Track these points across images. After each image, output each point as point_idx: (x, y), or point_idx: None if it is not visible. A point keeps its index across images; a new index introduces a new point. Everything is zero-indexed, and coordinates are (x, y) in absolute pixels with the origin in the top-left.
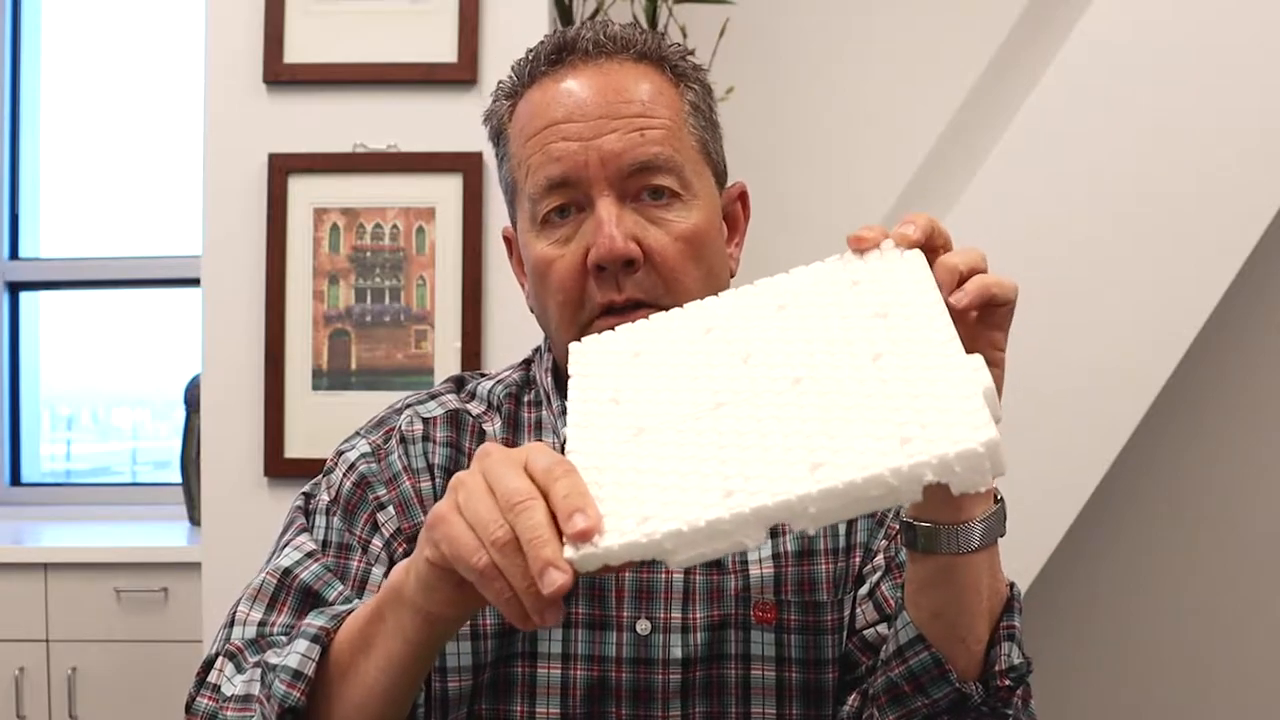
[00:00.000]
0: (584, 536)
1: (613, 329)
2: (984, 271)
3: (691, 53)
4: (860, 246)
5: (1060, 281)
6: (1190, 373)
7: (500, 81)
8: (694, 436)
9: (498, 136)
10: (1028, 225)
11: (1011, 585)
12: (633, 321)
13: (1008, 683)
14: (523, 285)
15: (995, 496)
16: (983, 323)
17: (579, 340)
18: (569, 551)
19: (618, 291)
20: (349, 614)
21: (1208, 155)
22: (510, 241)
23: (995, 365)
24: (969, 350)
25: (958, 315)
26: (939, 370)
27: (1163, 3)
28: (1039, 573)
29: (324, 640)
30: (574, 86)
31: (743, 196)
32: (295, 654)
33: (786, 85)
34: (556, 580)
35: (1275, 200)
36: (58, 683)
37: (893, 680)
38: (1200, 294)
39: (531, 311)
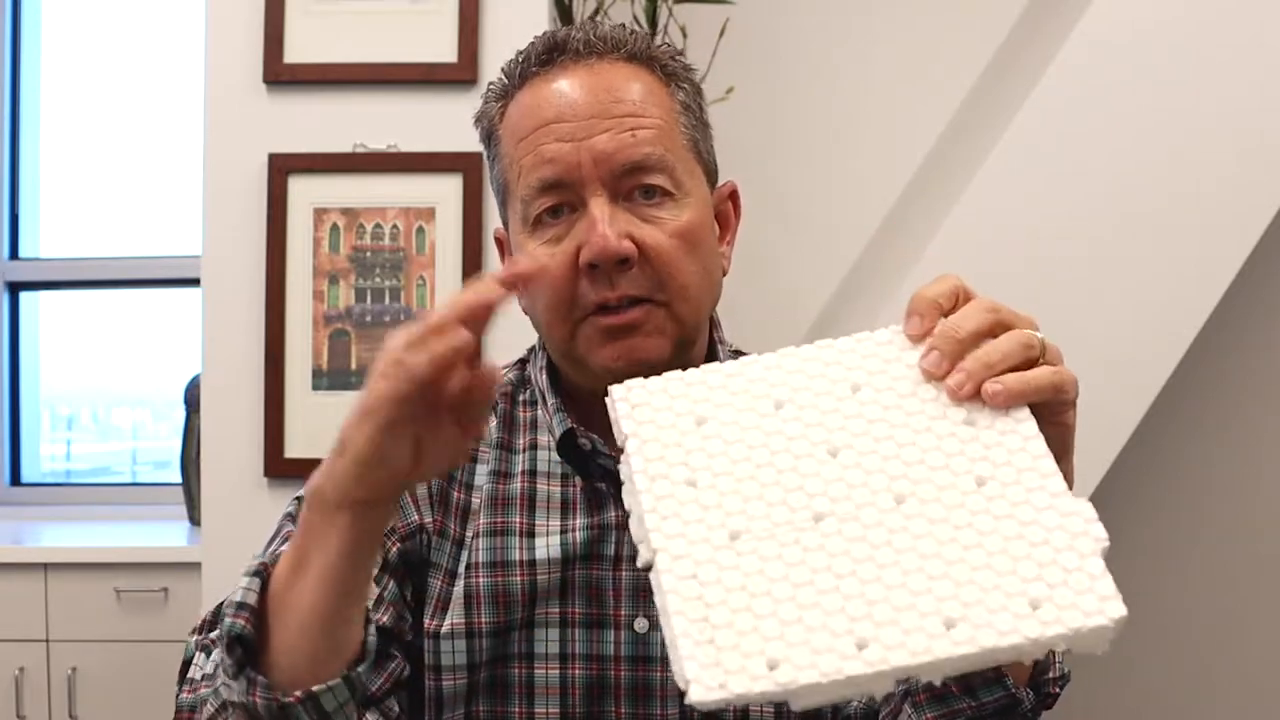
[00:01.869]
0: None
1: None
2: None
3: (681, 53)
4: (914, 335)
5: (1060, 281)
6: (1190, 373)
7: (491, 83)
8: (800, 554)
9: (489, 138)
10: (1027, 225)
11: None
12: (649, 316)
13: (1056, 690)
14: None
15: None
16: (1050, 410)
17: (612, 383)
18: (696, 693)
19: (611, 289)
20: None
21: (1207, 155)
22: (502, 243)
23: (1061, 426)
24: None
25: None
26: (1051, 514)
27: (1163, 3)
28: None
29: (264, 573)
30: (565, 87)
31: (733, 196)
32: (239, 589)
33: (786, 85)
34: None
35: (1275, 200)
36: (58, 683)
37: None
38: (1200, 294)
39: (524, 313)
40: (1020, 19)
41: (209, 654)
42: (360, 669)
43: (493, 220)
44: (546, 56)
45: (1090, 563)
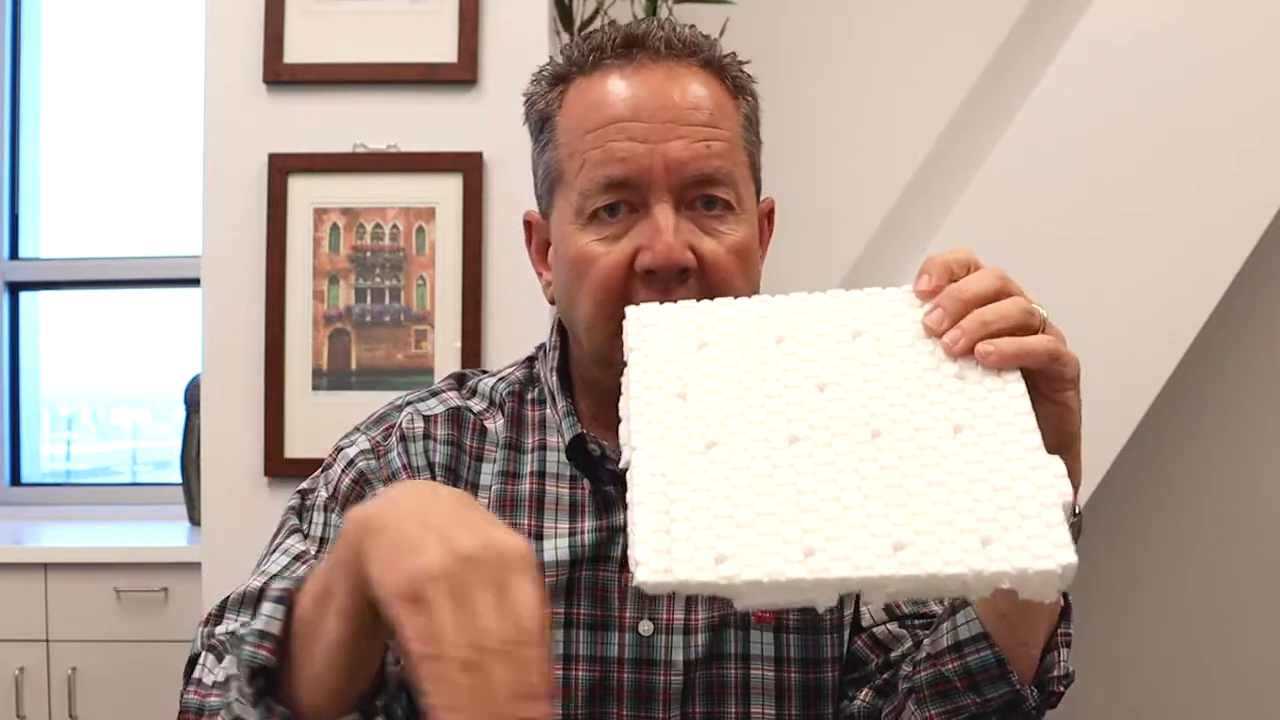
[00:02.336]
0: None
1: (657, 304)
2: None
3: (746, 63)
4: (922, 290)
5: (1060, 281)
6: (1190, 372)
7: (543, 67)
8: (769, 468)
9: (543, 122)
10: (1027, 225)
11: (1065, 593)
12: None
13: (1061, 689)
14: (540, 274)
15: (1074, 510)
16: (1038, 371)
17: (632, 310)
18: (642, 573)
19: (665, 297)
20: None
21: (1208, 155)
22: (531, 226)
23: (1061, 405)
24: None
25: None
26: (1021, 465)
27: (1163, 3)
28: None
29: (288, 600)
30: (641, 85)
31: (770, 213)
32: (262, 616)
33: (786, 85)
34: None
35: (1275, 200)
36: (58, 683)
37: (943, 675)
38: (1200, 294)
39: (551, 303)
40: (1020, 19)
41: (218, 655)
42: (378, 702)
43: (493, 220)
44: (625, 50)
45: (1049, 512)
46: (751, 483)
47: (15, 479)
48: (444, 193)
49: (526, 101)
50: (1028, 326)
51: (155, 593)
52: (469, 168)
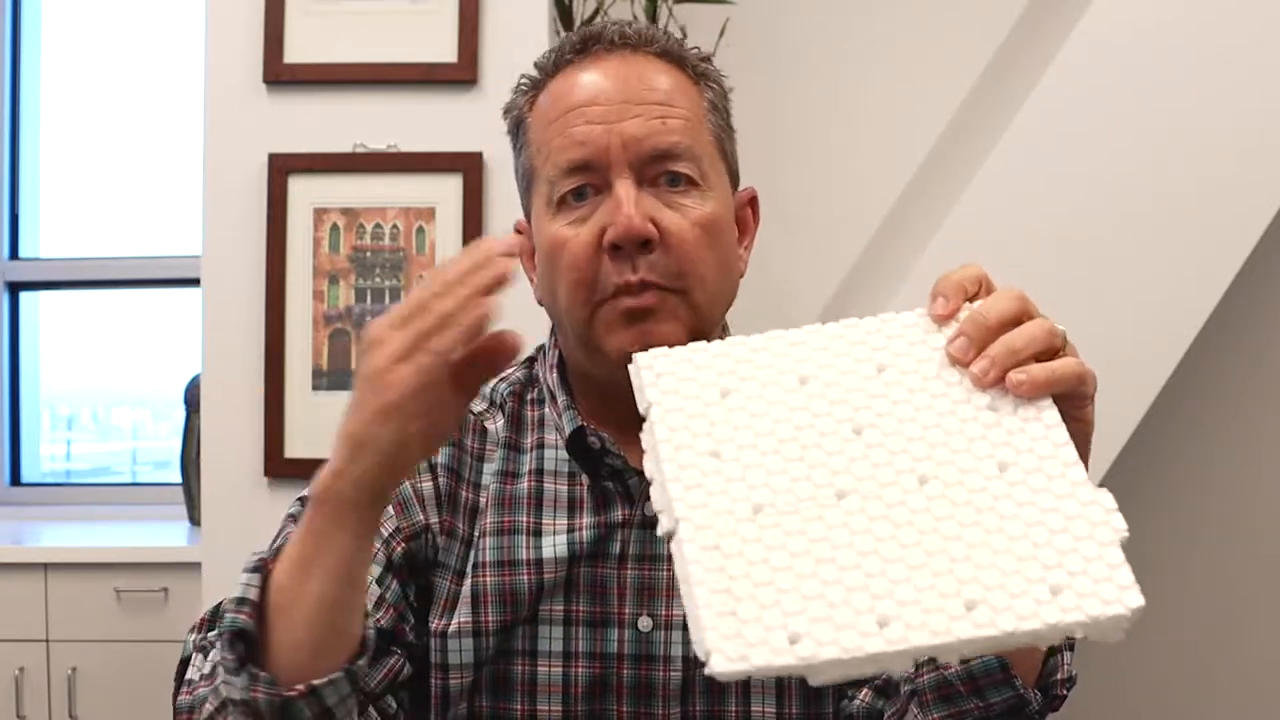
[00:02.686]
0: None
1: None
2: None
3: (711, 57)
4: (939, 315)
5: (1060, 282)
6: (1190, 372)
7: (521, 78)
8: (823, 530)
9: (517, 127)
10: (1027, 225)
11: None
12: (664, 302)
13: (1064, 692)
14: (530, 279)
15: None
16: (1069, 401)
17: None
18: (717, 663)
19: (633, 272)
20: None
21: (1208, 155)
22: (523, 234)
23: (1081, 422)
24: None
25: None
26: (1071, 502)
27: (1163, 3)
28: None
29: (264, 569)
30: (598, 73)
31: (753, 202)
32: (238, 585)
33: (786, 85)
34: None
35: (1275, 200)
36: (58, 683)
37: (946, 679)
38: (1200, 294)
39: (540, 304)
40: (1020, 19)
41: (207, 655)
42: (360, 661)
43: (494, 220)
44: (581, 47)
45: (1109, 552)
46: (809, 549)
47: (15, 479)
48: (444, 193)
49: (504, 112)
50: (1053, 349)
51: (155, 593)
52: (469, 168)
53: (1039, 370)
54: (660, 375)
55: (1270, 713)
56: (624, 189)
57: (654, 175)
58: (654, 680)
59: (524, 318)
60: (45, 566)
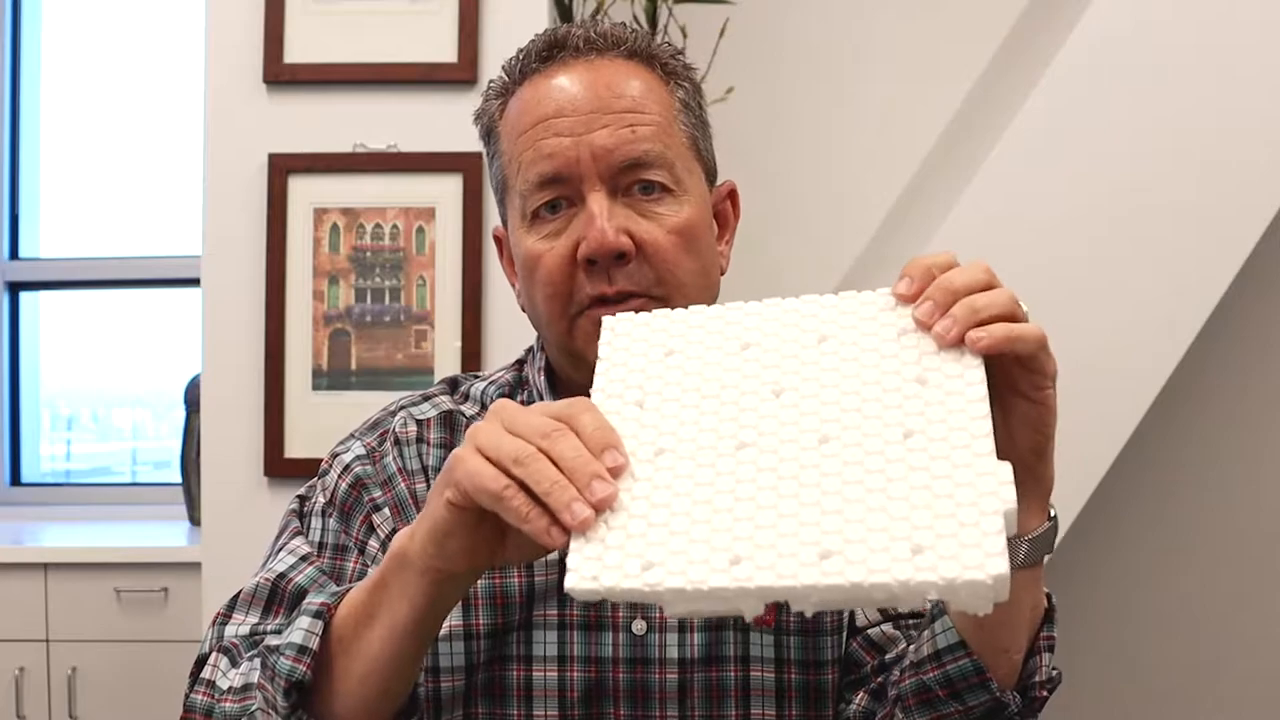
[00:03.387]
0: (615, 473)
1: (637, 311)
2: (980, 286)
3: (681, 52)
4: (903, 295)
5: (1060, 281)
6: (1190, 372)
7: (491, 81)
8: (711, 475)
9: (488, 134)
10: (1027, 225)
11: (1049, 596)
12: (647, 310)
13: (1045, 694)
14: (513, 285)
15: (1049, 514)
16: (1021, 367)
17: (597, 320)
18: (570, 580)
19: (608, 285)
20: (349, 591)
21: (1208, 155)
22: (501, 241)
23: (1041, 405)
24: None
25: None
26: (967, 471)
27: (1162, 3)
28: None
29: (326, 616)
30: (565, 82)
31: (732, 195)
32: (299, 630)
33: (786, 85)
34: (604, 490)
35: (1275, 200)
36: (58, 683)
37: (925, 684)
38: (1200, 294)
39: (523, 310)
40: (1020, 19)
41: (231, 659)
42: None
43: (493, 220)
44: (547, 53)
45: (988, 521)
46: (692, 490)
47: (15, 479)
48: (444, 193)
49: (474, 118)
50: (1016, 316)
51: (155, 593)
52: (469, 168)
53: (999, 328)
54: (618, 335)
55: (1270, 713)
56: (597, 203)
57: (627, 184)
58: (650, 683)
59: (523, 317)
60: (45, 566)
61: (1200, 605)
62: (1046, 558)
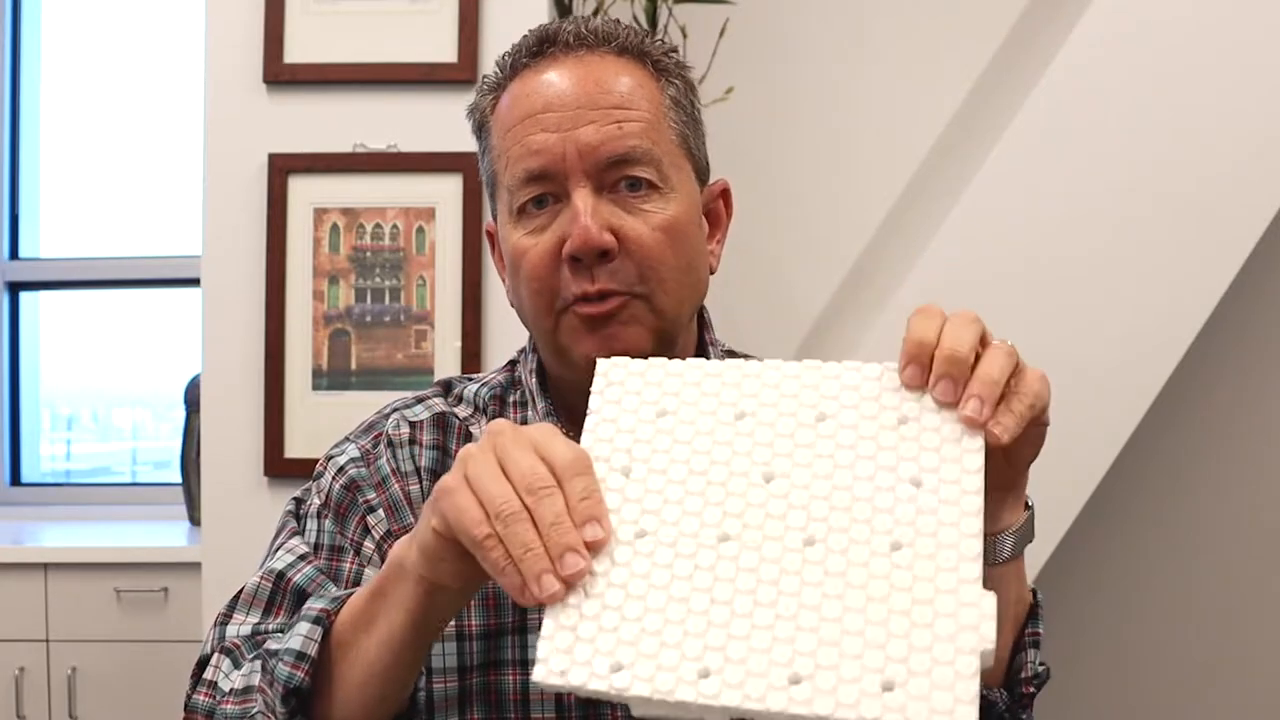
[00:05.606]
0: (594, 548)
1: (628, 359)
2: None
3: (674, 49)
4: (910, 384)
5: (1060, 282)
6: (1190, 373)
7: (485, 77)
8: (690, 568)
9: (480, 129)
10: (1027, 226)
11: (1034, 592)
12: (624, 323)
13: (1031, 690)
14: (503, 280)
15: (1025, 504)
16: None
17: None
18: (538, 673)
19: (591, 282)
20: (349, 597)
21: (1208, 155)
22: (492, 236)
23: (1041, 428)
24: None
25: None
26: (950, 599)
27: (1163, 3)
28: (1039, 572)
29: (325, 622)
30: (554, 78)
31: (725, 194)
32: (298, 636)
33: (786, 85)
34: (576, 566)
35: (1275, 200)
36: (58, 683)
37: None
38: (1200, 294)
39: (512, 306)
40: (1020, 19)
41: (234, 660)
42: None
43: None
44: (537, 48)
45: (963, 660)
46: (669, 584)
47: (15, 479)
48: (444, 193)
49: (468, 113)
50: (1016, 368)
51: (155, 593)
52: (469, 168)
53: (1016, 415)
54: (610, 384)
55: (1270, 713)
56: (581, 199)
57: (613, 181)
58: None
59: (513, 317)
60: (45, 566)
61: (1200, 605)
62: (1027, 548)
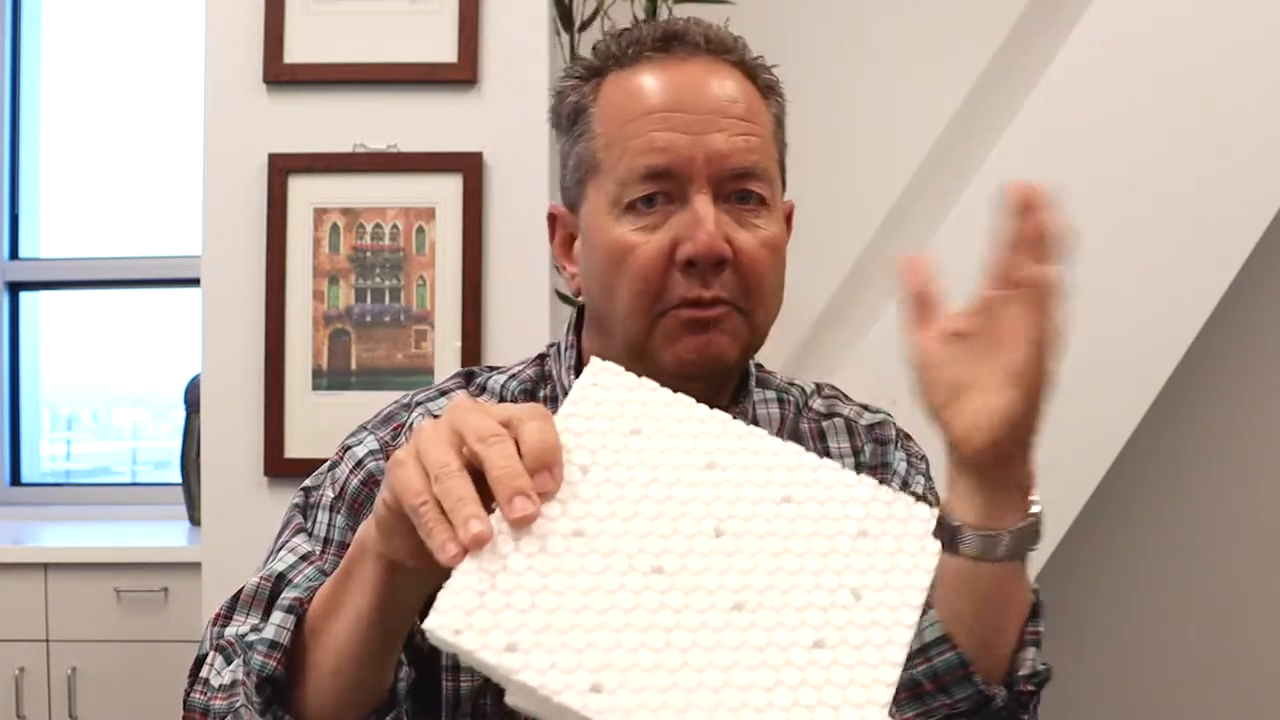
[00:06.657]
0: (544, 496)
1: (621, 369)
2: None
3: (776, 66)
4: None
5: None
6: (1190, 373)
7: (573, 64)
8: (615, 585)
9: (576, 115)
10: None
11: (1035, 591)
12: (723, 331)
13: (1030, 688)
14: (562, 268)
15: (1029, 509)
16: (1026, 300)
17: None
18: (432, 621)
19: (705, 288)
20: (321, 584)
21: (1208, 155)
22: (556, 219)
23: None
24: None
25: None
26: (853, 712)
27: (1163, 3)
28: (1039, 572)
29: (299, 610)
30: (682, 77)
31: (790, 215)
32: (272, 625)
33: (786, 85)
34: (524, 509)
35: (1275, 200)
36: (58, 683)
37: (914, 677)
38: (1200, 294)
39: (576, 295)
40: (1020, 19)
41: (226, 657)
42: (389, 717)
43: (493, 220)
44: (664, 44)
45: None
46: (590, 592)
47: (15, 479)
48: (444, 193)
49: (557, 96)
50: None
51: (155, 593)
52: (469, 168)
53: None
54: (596, 386)
55: (1270, 713)
56: (703, 205)
57: (729, 192)
58: None
59: (523, 317)
60: (45, 566)
61: (1200, 605)
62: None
